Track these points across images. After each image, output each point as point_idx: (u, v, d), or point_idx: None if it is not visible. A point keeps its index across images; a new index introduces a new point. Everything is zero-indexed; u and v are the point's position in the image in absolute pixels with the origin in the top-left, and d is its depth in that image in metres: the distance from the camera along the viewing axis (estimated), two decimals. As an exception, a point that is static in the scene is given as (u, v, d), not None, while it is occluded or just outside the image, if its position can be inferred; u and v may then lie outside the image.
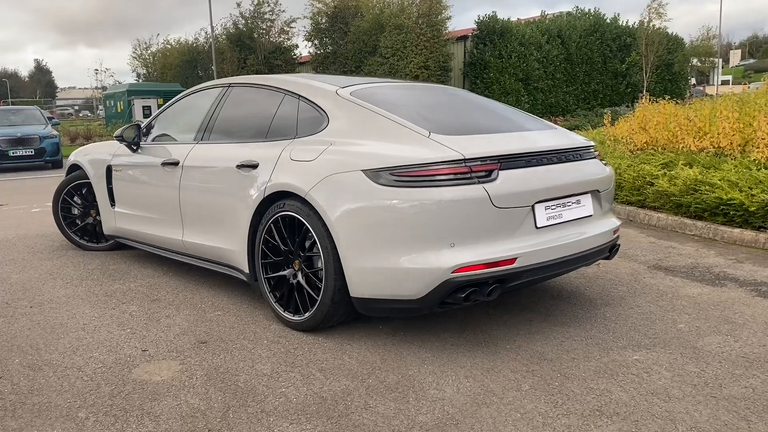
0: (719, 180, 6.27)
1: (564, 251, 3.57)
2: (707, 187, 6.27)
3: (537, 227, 3.50)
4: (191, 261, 4.71)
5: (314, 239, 3.59)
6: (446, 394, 2.97)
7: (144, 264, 5.52)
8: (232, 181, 4.20)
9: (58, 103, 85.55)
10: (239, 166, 4.12)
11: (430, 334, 3.72)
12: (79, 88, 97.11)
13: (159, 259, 5.59)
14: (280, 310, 3.89)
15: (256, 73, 28.29)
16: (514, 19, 28.22)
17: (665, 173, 6.98)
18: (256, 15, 31.09)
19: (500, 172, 3.38)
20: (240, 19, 30.91)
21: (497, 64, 26.19)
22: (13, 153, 16.43)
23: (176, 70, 36.57)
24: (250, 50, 30.62)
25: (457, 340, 3.63)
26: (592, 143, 4.19)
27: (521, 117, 4.36)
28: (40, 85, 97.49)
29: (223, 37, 31.73)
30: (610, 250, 4.05)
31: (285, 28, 31.82)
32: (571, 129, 17.42)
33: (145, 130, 5.33)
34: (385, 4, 26.81)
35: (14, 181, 14.18)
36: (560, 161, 3.70)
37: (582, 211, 3.77)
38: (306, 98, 4.05)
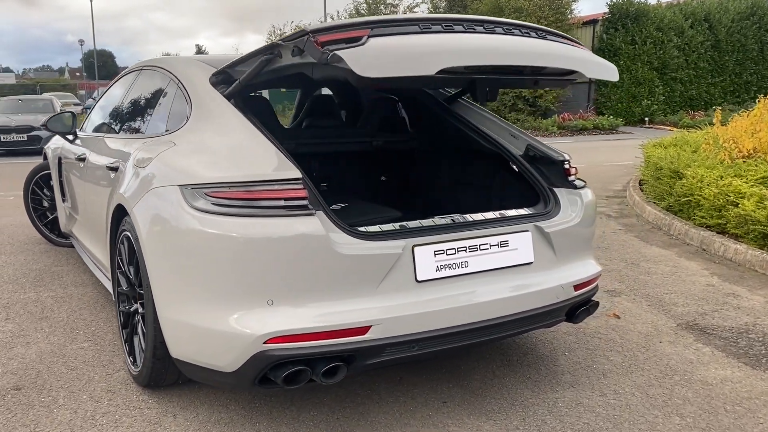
0: (822, 206, 4.62)
1: (464, 316, 2.44)
2: (802, 214, 4.65)
3: (418, 280, 2.39)
4: (96, 273, 4.03)
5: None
6: None
7: (87, 269, 4.93)
8: (103, 185, 3.43)
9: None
10: (108, 168, 3.34)
11: (293, 408, 2.74)
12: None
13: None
14: (126, 354, 3.07)
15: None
16: (653, 1, 25.37)
17: (756, 192, 5.34)
18: (379, 0, 30.47)
19: (359, 198, 2.31)
20: (362, 3, 30.44)
21: (629, 51, 23.57)
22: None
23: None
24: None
25: (318, 424, 2.62)
26: (564, 157, 2.97)
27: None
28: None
29: (345, 22, 31.46)
30: (570, 312, 2.82)
31: (408, 13, 30.98)
32: (690, 127, 15.06)
33: (87, 117, 4.72)
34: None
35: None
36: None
37: (511, 257, 2.60)
38: (182, 84, 3.17)
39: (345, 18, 31.42)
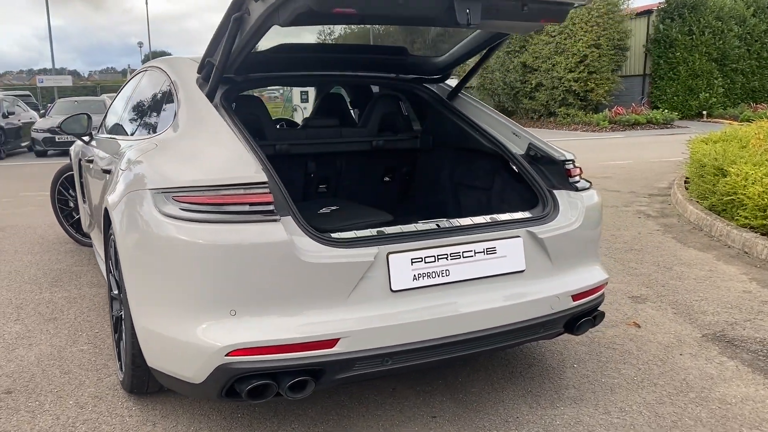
0: None
1: (443, 329, 2.28)
2: None
3: (393, 290, 2.25)
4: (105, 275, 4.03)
5: None
6: None
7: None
8: (100, 188, 3.41)
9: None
10: (103, 171, 3.31)
11: (275, 420, 2.64)
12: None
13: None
14: (116, 359, 3.03)
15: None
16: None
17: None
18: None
19: (328, 203, 2.18)
20: None
21: (686, 42, 22.62)
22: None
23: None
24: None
25: (296, 439, 2.51)
26: (566, 156, 2.77)
27: None
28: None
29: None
30: (570, 324, 2.62)
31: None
32: (751, 120, 14.20)
33: (103, 118, 4.74)
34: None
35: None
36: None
37: (498, 265, 2.42)
38: (174, 84, 3.09)
39: None
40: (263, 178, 2.19)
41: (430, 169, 3.66)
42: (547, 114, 23.10)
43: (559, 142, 13.65)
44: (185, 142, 2.58)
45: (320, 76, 3.40)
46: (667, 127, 19.66)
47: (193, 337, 2.17)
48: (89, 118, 4.62)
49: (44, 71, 31.29)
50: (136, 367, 2.62)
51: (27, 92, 30.63)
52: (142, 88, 3.76)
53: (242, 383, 2.15)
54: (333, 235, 2.26)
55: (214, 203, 2.19)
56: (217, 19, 3.33)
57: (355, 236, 2.27)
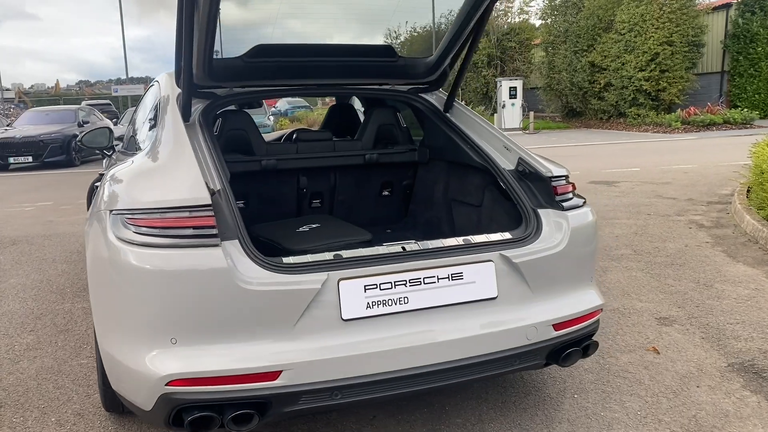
0: None
1: (398, 361, 2.13)
2: None
3: (344, 319, 2.11)
4: None
5: None
6: None
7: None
8: (98, 205, 3.42)
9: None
10: (95, 187, 3.33)
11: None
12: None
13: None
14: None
15: (487, 57, 26.85)
16: (799, -22, 22.65)
17: None
18: (493, -5, 29.67)
19: (274, 226, 2.08)
20: (474, 0, 29.77)
21: (768, 36, 21.32)
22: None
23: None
24: (484, 32, 29.40)
25: (259, 469, 2.41)
26: (554, 172, 2.56)
27: None
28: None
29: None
30: (552, 355, 2.41)
31: (524, 8, 29.88)
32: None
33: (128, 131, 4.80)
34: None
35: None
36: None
37: (466, 292, 2.24)
38: (162, 97, 3.06)
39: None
40: (207, 200, 2.11)
41: (428, 184, 3.49)
42: (617, 114, 22.24)
43: (625, 144, 13.05)
44: (151, 162, 2.54)
45: (313, 87, 3.29)
46: (746, 128, 18.50)
47: (140, 365, 2.11)
48: (111, 131, 4.67)
49: (130, 80, 32.80)
50: (107, 388, 2.59)
51: (107, 101, 32.10)
52: (145, 103, 3.77)
53: (187, 413, 2.07)
54: (284, 259, 2.15)
55: (161, 226, 2.12)
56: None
57: (304, 261, 2.15)
